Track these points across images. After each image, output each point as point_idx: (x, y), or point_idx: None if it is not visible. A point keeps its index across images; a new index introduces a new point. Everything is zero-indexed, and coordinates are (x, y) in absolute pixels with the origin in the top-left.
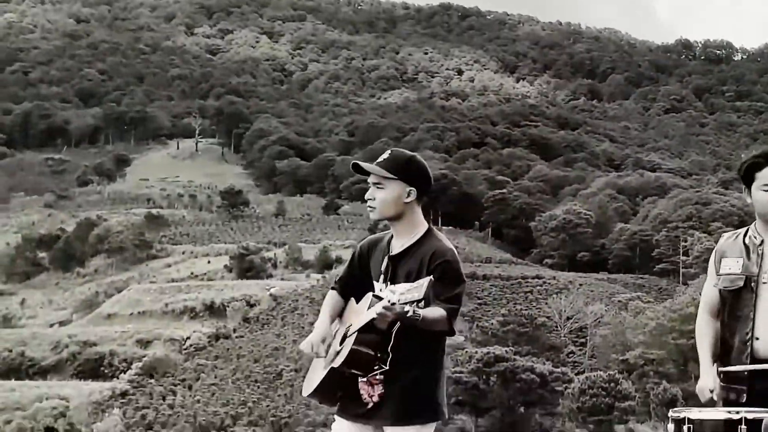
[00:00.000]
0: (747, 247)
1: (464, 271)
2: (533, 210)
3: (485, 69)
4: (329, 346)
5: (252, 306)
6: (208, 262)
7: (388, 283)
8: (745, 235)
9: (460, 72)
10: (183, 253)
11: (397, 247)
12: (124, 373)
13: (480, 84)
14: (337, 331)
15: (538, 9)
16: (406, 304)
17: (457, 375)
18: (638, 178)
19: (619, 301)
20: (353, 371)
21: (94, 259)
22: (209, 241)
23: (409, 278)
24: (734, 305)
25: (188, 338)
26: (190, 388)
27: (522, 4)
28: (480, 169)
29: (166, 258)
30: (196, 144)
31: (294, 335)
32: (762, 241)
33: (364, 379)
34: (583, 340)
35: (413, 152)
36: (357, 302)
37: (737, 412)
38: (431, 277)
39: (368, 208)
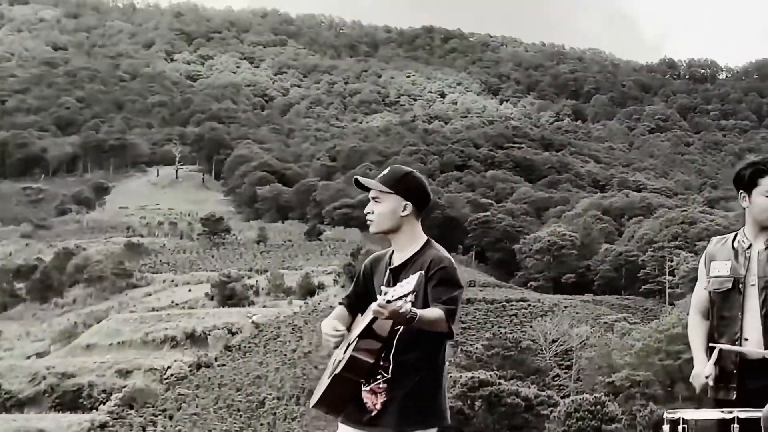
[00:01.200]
0: (735, 251)
1: None
2: (517, 232)
3: (468, 91)
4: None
5: (234, 334)
6: (189, 290)
7: None
8: (734, 240)
9: (442, 95)
10: (163, 281)
11: (398, 259)
12: (104, 404)
13: (463, 106)
14: (342, 343)
15: (521, 30)
16: (398, 299)
17: None
18: (623, 198)
19: (605, 322)
20: (355, 378)
21: (72, 289)
22: (190, 269)
23: None
24: (722, 307)
25: (169, 368)
26: (171, 418)
27: (505, 26)
28: (463, 191)
29: (146, 287)
30: (176, 171)
31: (276, 363)
32: (750, 245)
33: (367, 388)
34: (568, 362)
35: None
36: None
37: (730, 412)
38: (421, 271)
39: (367, 221)
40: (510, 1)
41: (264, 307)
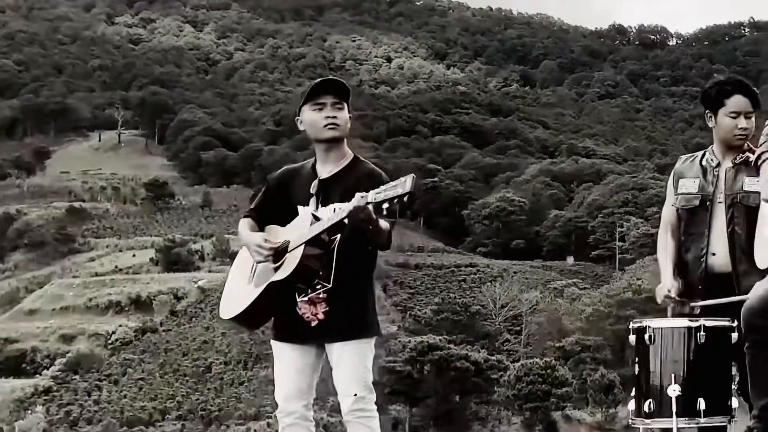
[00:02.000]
0: (704, 169)
1: (396, 260)
2: (466, 198)
3: (415, 56)
4: (253, 269)
5: (179, 299)
6: (134, 255)
7: (320, 205)
8: (702, 158)
9: (389, 59)
10: (107, 246)
11: (326, 172)
12: (47, 369)
13: (410, 71)
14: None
15: None
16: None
17: (391, 364)
18: (573, 164)
19: (555, 288)
20: (303, 286)
21: (13, 254)
22: (134, 234)
23: (345, 199)
24: (690, 223)
25: (113, 333)
26: (116, 383)
27: None
28: (411, 157)
29: (89, 252)
30: (119, 135)
31: (223, 328)
32: (718, 164)
33: (305, 298)
34: (518, 328)
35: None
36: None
37: (696, 320)
38: (413, 175)
39: (329, 126)
40: None
41: (209, 272)
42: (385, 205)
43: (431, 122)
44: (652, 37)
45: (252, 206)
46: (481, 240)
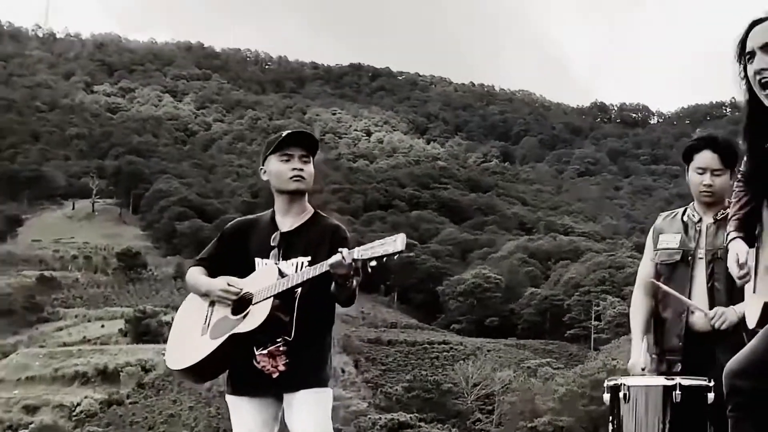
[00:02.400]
0: (685, 224)
1: (369, 336)
2: (441, 274)
3: (395, 130)
4: (207, 320)
5: (147, 371)
6: (102, 326)
7: (281, 258)
8: (683, 214)
9: (368, 133)
10: (76, 316)
11: (287, 224)
12: None
13: (389, 146)
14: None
15: (450, 70)
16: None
17: None
18: (551, 241)
19: (529, 367)
20: (268, 338)
21: None
22: (104, 305)
23: (308, 253)
24: (670, 279)
25: (78, 404)
26: None
27: (434, 65)
28: (387, 232)
29: (58, 321)
30: (93, 204)
31: (191, 401)
32: (700, 219)
33: (265, 351)
34: (490, 407)
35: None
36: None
37: (672, 379)
38: (404, 234)
39: (296, 178)
40: (440, 40)
41: None
42: (372, 263)
43: (409, 197)
44: (634, 115)
45: (203, 255)
46: (455, 317)
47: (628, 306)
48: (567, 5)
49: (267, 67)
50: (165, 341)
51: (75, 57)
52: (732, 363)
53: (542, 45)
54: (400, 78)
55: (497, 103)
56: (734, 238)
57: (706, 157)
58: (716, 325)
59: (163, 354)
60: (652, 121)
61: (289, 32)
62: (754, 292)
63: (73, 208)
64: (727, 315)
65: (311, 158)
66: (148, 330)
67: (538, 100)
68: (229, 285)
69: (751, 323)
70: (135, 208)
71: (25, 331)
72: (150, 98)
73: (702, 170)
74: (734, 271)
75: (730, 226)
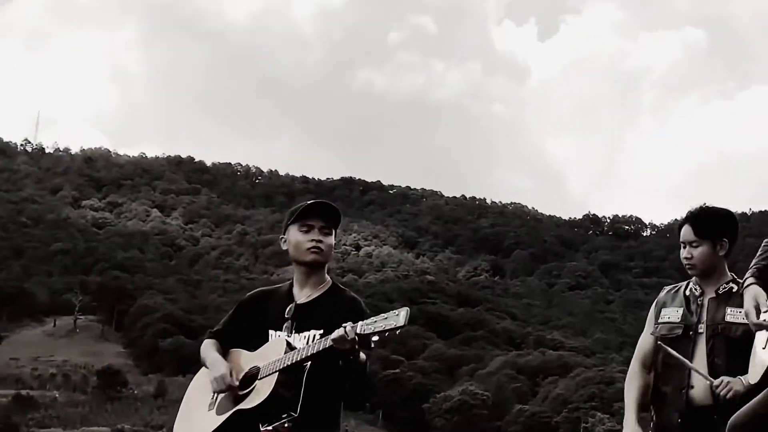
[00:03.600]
0: (687, 299)
1: None
2: (428, 390)
3: (384, 244)
4: (215, 397)
5: None
6: None
7: (294, 331)
8: (686, 288)
9: (357, 247)
10: None
11: (303, 296)
12: None
13: (378, 260)
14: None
15: (443, 183)
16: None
17: None
18: (540, 356)
19: None
20: (274, 414)
21: None
22: (81, 424)
23: (322, 326)
24: (670, 354)
25: None
26: None
27: (426, 179)
28: (374, 348)
29: None
30: (75, 321)
31: None
32: (702, 293)
33: (269, 427)
34: None
35: None
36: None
37: None
38: (407, 308)
39: (314, 250)
40: (432, 153)
41: None
42: (375, 338)
43: None
44: (626, 227)
45: (219, 326)
46: None
47: (618, 423)
48: (561, 119)
49: (257, 181)
50: None
51: (63, 171)
52: (734, 419)
53: (536, 158)
54: (391, 191)
55: (489, 216)
56: (751, 284)
57: (684, 232)
58: (721, 395)
59: None
60: (644, 233)
61: (280, 147)
62: (764, 348)
63: (54, 325)
64: (733, 384)
65: (333, 230)
66: None
67: (530, 213)
68: (230, 375)
69: (754, 378)
70: (118, 325)
71: None
72: (138, 213)
73: (683, 243)
74: (752, 315)
75: (748, 273)
